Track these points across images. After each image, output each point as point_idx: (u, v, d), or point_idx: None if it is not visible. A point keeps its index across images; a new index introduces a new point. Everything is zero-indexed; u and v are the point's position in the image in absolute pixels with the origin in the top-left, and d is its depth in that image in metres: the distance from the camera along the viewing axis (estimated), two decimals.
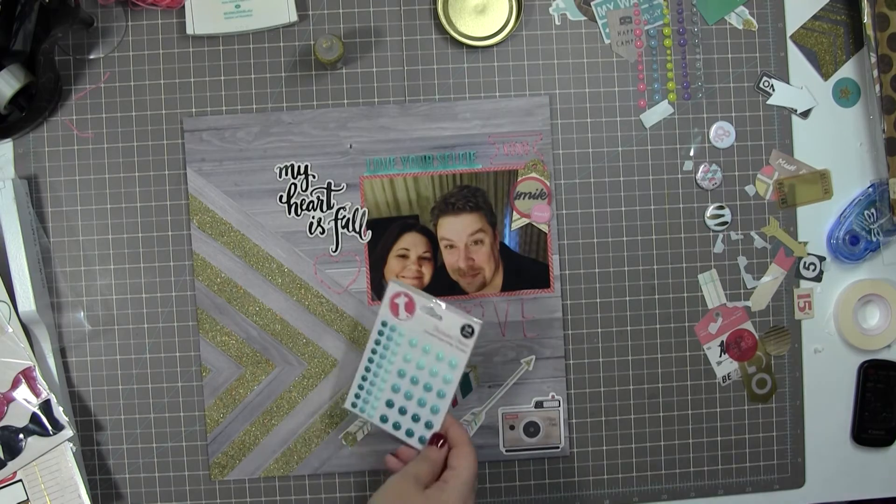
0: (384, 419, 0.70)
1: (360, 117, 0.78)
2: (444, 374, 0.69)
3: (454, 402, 0.79)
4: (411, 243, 0.78)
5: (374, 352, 0.70)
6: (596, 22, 0.80)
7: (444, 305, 0.68)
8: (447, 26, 0.78)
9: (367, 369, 0.70)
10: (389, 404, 0.70)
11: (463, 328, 0.68)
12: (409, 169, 0.78)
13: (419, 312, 0.68)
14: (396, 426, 0.70)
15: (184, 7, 0.77)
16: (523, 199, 0.79)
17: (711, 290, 0.81)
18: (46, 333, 0.76)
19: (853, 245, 0.81)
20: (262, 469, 0.78)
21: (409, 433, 0.69)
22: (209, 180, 0.78)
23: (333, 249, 0.78)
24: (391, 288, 0.69)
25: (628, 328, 0.80)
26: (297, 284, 0.78)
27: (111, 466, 0.78)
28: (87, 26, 0.77)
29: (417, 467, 0.65)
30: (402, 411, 0.70)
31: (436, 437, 0.68)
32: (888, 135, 0.77)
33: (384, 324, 0.70)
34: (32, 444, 0.74)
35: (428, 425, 0.69)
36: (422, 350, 0.69)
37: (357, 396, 0.71)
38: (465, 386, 0.79)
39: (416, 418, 0.69)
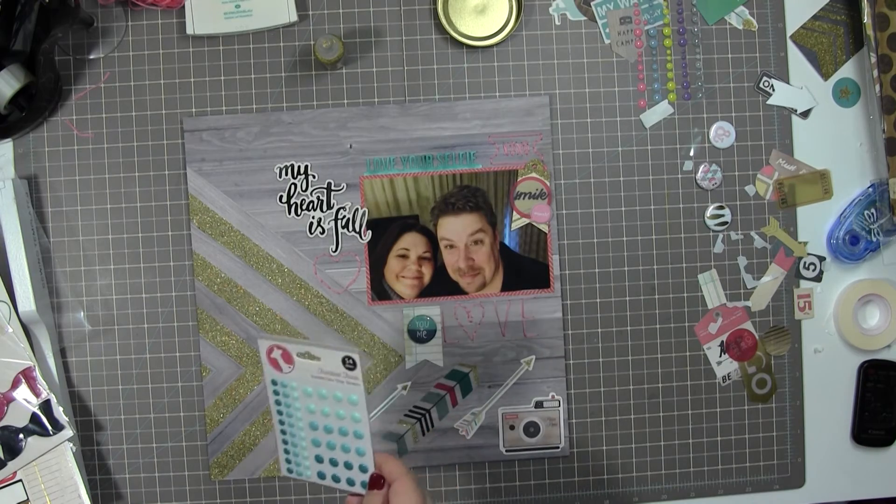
0: (322, 475, 0.65)
1: (360, 117, 0.78)
2: (350, 414, 0.62)
3: (454, 403, 0.79)
4: (411, 243, 0.78)
5: (279, 413, 0.65)
6: (596, 22, 0.80)
7: (315, 346, 0.61)
8: (447, 26, 0.78)
9: (283, 432, 0.65)
10: (319, 459, 0.65)
11: (343, 361, 0.61)
12: (409, 169, 0.78)
13: (297, 360, 0.62)
14: (336, 479, 0.65)
15: (184, 7, 0.77)
16: (523, 199, 0.79)
17: (711, 290, 0.81)
18: (46, 333, 0.76)
19: (853, 245, 0.81)
20: (262, 469, 0.78)
21: (351, 482, 0.64)
22: (209, 180, 0.78)
23: (333, 249, 0.78)
24: (261, 345, 0.63)
25: (628, 328, 0.80)
26: (297, 284, 0.78)
27: (111, 466, 0.78)
28: (87, 26, 0.77)
29: None
30: (334, 462, 0.64)
31: (374, 480, 0.63)
32: (888, 135, 0.77)
33: (273, 382, 0.63)
34: (32, 444, 0.74)
35: (362, 468, 0.63)
36: (318, 396, 0.63)
37: (288, 462, 0.66)
38: (465, 386, 0.79)
39: (348, 465, 0.64)
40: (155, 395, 0.78)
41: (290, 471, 0.66)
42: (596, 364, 0.80)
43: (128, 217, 0.78)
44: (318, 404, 0.63)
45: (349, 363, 0.60)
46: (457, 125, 0.78)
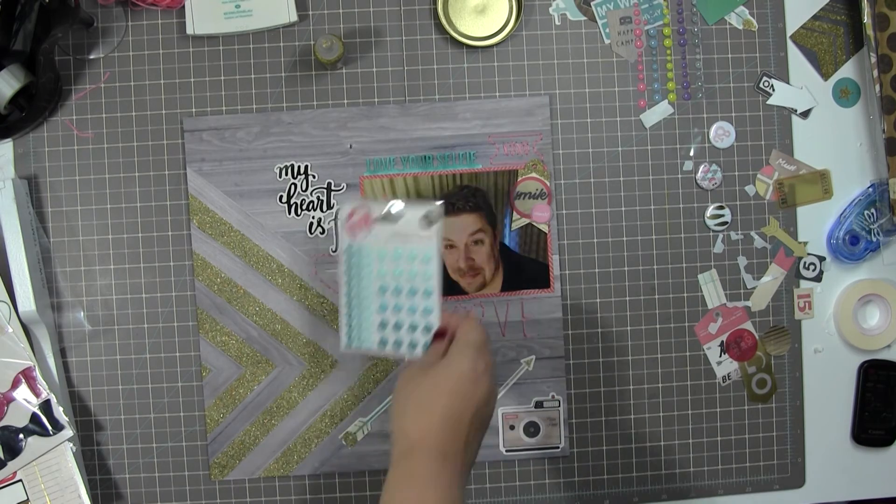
0: (384, 342, 0.65)
1: (360, 117, 0.78)
2: (422, 272, 0.64)
3: None
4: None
5: (348, 283, 0.66)
6: (596, 22, 0.80)
7: (397, 203, 0.64)
8: (447, 26, 0.78)
9: (348, 302, 0.66)
10: (383, 326, 0.65)
11: (423, 218, 0.63)
12: (409, 169, 0.78)
13: (376, 224, 0.64)
14: (398, 344, 0.65)
15: (184, 7, 0.77)
16: (523, 199, 0.79)
17: (711, 290, 0.81)
18: (46, 333, 0.76)
19: (853, 245, 0.81)
20: (262, 469, 0.78)
21: (413, 345, 0.65)
22: (209, 180, 0.78)
23: (333, 249, 0.78)
24: (343, 210, 0.64)
25: (628, 328, 0.80)
26: (297, 284, 0.78)
27: (111, 466, 0.78)
28: (87, 26, 0.77)
29: (423, 358, 0.62)
30: (398, 326, 0.65)
31: (439, 335, 0.63)
32: (888, 135, 0.77)
33: (349, 248, 0.65)
34: (32, 444, 0.74)
35: (427, 328, 0.64)
36: (392, 258, 0.65)
37: (349, 336, 0.66)
38: None
39: (413, 327, 0.65)
40: (155, 395, 0.78)
41: (349, 345, 0.67)
42: (596, 364, 0.80)
43: (128, 217, 0.78)
44: (390, 266, 0.65)
45: (428, 219, 0.64)
46: (457, 125, 0.78)
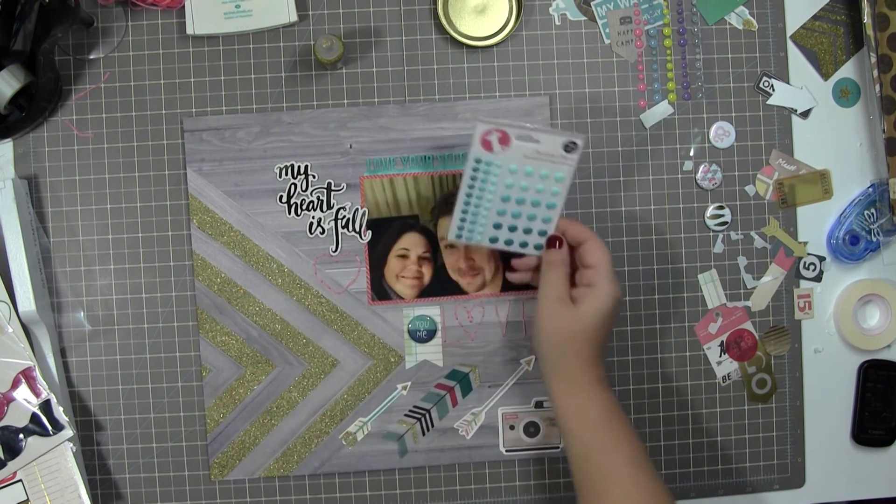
0: (494, 240, 0.71)
1: (360, 117, 0.78)
2: (550, 189, 0.68)
3: (454, 403, 0.79)
4: (411, 243, 0.78)
5: (471, 187, 0.69)
6: (596, 22, 0.80)
7: (540, 130, 0.67)
8: (447, 26, 0.78)
9: (467, 203, 0.70)
10: (497, 226, 0.70)
11: (566, 146, 0.67)
12: (409, 169, 0.78)
13: (515, 142, 0.67)
14: (508, 242, 0.70)
15: (184, 7, 0.77)
16: None
17: (711, 290, 0.81)
18: (46, 333, 0.76)
19: (853, 245, 0.81)
20: (262, 469, 0.78)
21: (524, 244, 0.70)
22: (209, 180, 0.78)
23: (333, 249, 0.78)
24: (479, 128, 0.67)
25: (628, 328, 0.80)
26: (297, 284, 0.78)
27: (111, 466, 0.78)
28: (87, 26, 0.77)
29: (549, 285, 0.68)
30: (512, 228, 0.70)
31: (552, 240, 0.69)
32: (888, 135, 0.77)
33: (478, 160, 0.68)
34: (32, 444, 0.74)
35: (541, 233, 0.69)
36: (523, 174, 0.68)
37: (460, 228, 0.71)
38: (465, 386, 0.79)
39: (527, 230, 0.70)
40: (155, 395, 0.78)
41: (458, 236, 0.72)
42: None
43: (128, 217, 0.78)
44: (520, 180, 0.69)
45: (570, 146, 0.67)
46: (457, 125, 0.78)
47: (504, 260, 0.78)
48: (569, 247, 0.70)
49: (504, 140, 0.67)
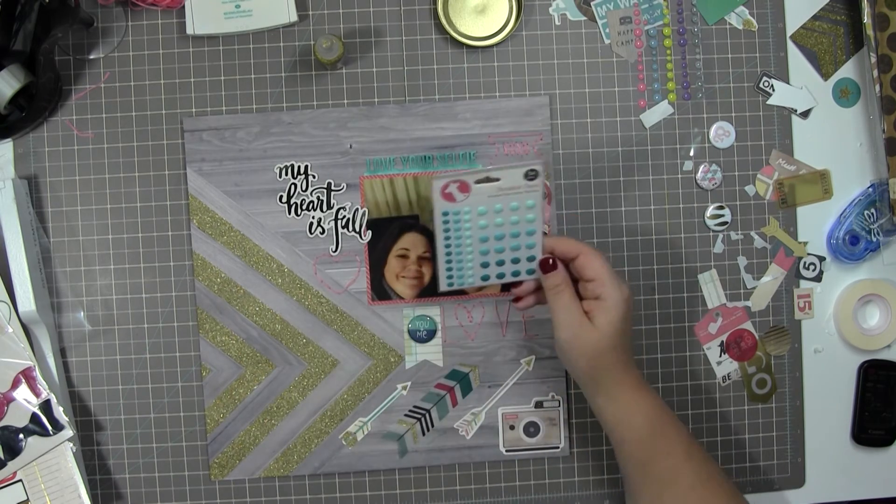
0: (486, 278, 0.71)
1: (360, 117, 0.78)
2: (525, 217, 0.69)
3: (454, 403, 0.79)
4: (411, 243, 0.78)
5: (447, 239, 0.69)
6: (596, 22, 0.80)
7: (496, 169, 0.67)
8: (447, 26, 0.78)
9: (448, 254, 0.70)
10: (485, 265, 0.70)
11: (526, 175, 0.67)
12: (409, 169, 0.78)
13: (475, 186, 0.67)
14: (501, 276, 0.71)
15: (184, 7, 0.77)
16: None
17: (711, 290, 0.81)
18: (46, 333, 0.76)
19: (853, 245, 0.81)
20: (262, 469, 0.78)
21: (516, 273, 0.70)
22: (209, 180, 0.78)
23: (333, 249, 0.78)
24: (435, 185, 0.67)
25: None
26: (297, 284, 0.78)
27: (111, 466, 0.78)
28: (87, 26, 0.77)
29: (560, 310, 0.67)
30: (500, 263, 0.70)
31: (545, 264, 0.69)
32: (888, 135, 0.77)
33: (445, 213, 0.68)
34: (32, 444, 0.74)
35: (530, 259, 0.70)
36: (493, 212, 0.68)
37: (449, 277, 0.71)
38: (465, 386, 0.79)
39: (515, 260, 0.70)
40: (155, 395, 0.78)
41: (450, 284, 0.72)
42: None
43: (128, 217, 0.78)
44: (492, 218, 0.69)
45: (531, 175, 0.67)
46: (457, 125, 0.78)
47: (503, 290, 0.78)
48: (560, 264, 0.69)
49: (464, 188, 0.67)
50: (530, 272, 0.70)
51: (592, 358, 0.66)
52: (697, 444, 0.69)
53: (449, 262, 0.70)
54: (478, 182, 0.67)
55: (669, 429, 0.68)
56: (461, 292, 0.78)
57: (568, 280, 0.68)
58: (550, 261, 0.68)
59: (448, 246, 0.70)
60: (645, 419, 0.67)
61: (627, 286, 0.68)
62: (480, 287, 0.76)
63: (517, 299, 0.72)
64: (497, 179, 0.67)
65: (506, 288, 0.79)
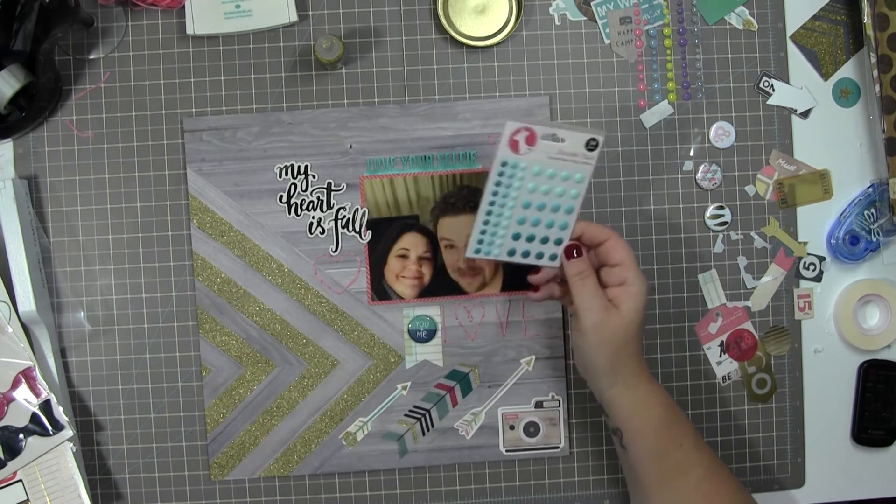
0: (512, 252, 0.69)
1: (360, 117, 0.78)
2: (570, 191, 0.68)
3: (454, 403, 0.79)
4: (411, 243, 0.78)
5: (494, 194, 0.68)
6: (596, 22, 0.80)
7: (564, 128, 0.66)
8: (447, 26, 0.78)
9: (489, 213, 0.68)
10: (516, 237, 0.69)
11: (588, 143, 0.66)
12: (409, 169, 0.78)
13: (541, 141, 0.66)
14: (526, 254, 0.69)
15: (184, 7, 0.77)
16: None
17: (711, 290, 0.81)
18: (46, 333, 0.76)
19: (853, 245, 0.81)
20: (262, 469, 0.78)
21: (539, 255, 0.69)
22: (209, 180, 0.78)
23: (333, 249, 0.78)
24: (508, 127, 0.66)
25: None
26: (297, 284, 0.78)
27: (111, 466, 0.78)
28: (87, 26, 0.77)
29: (588, 297, 0.66)
30: (531, 238, 0.69)
31: (570, 249, 0.68)
32: (888, 135, 0.77)
33: (504, 163, 0.67)
34: (32, 444, 0.74)
35: (557, 242, 0.69)
36: (546, 176, 0.67)
37: (480, 242, 0.69)
38: (465, 386, 0.79)
39: (544, 240, 0.69)
40: (155, 395, 0.78)
41: (477, 251, 0.70)
42: None
43: (128, 217, 0.78)
44: (542, 183, 0.67)
45: (592, 144, 0.66)
46: (457, 125, 0.78)
47: (518, 272, 0.78)
48: (586, 248, 0.69)
49: (531, 140, 0.66)
50: (553, 258, 0.69)
51: (618, 345, 0.66)
52: (702, 438, 0.69)
53: (486, 222, 0.69)
54: (543, 137, 0.66)
55: (681, 420, 0.68)
56: (461, 292, 0.78)
57: (591, 267, 0.68)
58: (574, 249, 0.68)
59: (492, 203, 0.68)
60: (662, 409, 0.67)
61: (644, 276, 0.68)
62: (503, 262, 0.75)
63: (535, 288, 0.72)
64: (562, 140, 0.66)
65: (505, 288, 0.79)
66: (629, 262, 0.67)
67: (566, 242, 0.69)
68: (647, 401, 0.68)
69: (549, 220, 0.69)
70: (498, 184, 0.67)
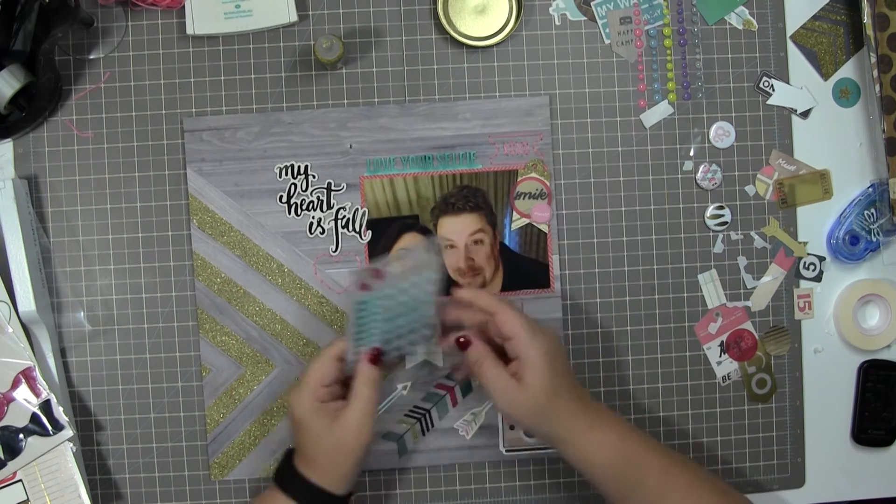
0: (387, 353, 0.69)
1: (360, 117, 0.78)
2: (424, 292, 0.68)
3: (454, 403, 0.79)
4: (411, 243, 0.78)
5: (358, 327, 0.69)
6: (596, 22, 0.80)
7: (395, 254, 0.70)
8: (447, 26, 0.78)
9: (356, 337, 0.68)
10: (387, 343, 0.68)
11: (424, 249, 0.69)
12: (409, 169, 0.78)
13: (388, 270, 0.69)
14: (399, 349, 0.69)
15: (184, 7, 0.77)
16: (523, 199, 0.79)
17: (711, 290, 0.81)
18: (46, 333, 0.76)
19: (853, 245, 0.81)
20: (262, 469, 0.78)
21: (414, 343, 0.69)
22: (209, 180, 0.78)
23: (333, 249, 0.78)
24: (353, 281, 0.69)
25: (628, 328, 0.80)
26: (297, 284, 0.78)
27: (111, 466, 0.78)
28: (87, 26, 0.77)
29: (489, 381, 0.65)
30: (399, 337, 0.68)
31: (460, 342, 0.67)
32: (888, 135, 0.77)
33: (362, 302, 0.68)
34: (32, 444, 0.74)
35: (428, 334, 0.69)
36: (399, 290, 0.68)
37: (356, 354, 0.69)
38: (465, 386, 0.79)
39: (413, 332, 0.68)
40: (155, 395, 0.78)
41: (357, 354, 0.69)
42: (596, 364, 0.80)
43: (128, 217, 0.78)
44: (400, 296, 0.68)
45: (428, 250, 0.68)
46: (457, 125, 0.78)
47: (518, 272, 0.78)
48: (482, 312, 0.68)
49: (378, 275, 0.68)
50: (428, 340, 0.69)
51: (535, 415, 0.65)
52: (674, 456, 0.67)
53: (356, 342, 0.68)
54: (387, 266, 0.68)
55: (639, 453, 0.66)
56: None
57: (486, 350, 0.67)
58: (462, 338, 0.67)
59: (358, 333, 0.68)
60: (609, 456, 0.65)
61: (552, 329, 0.67)
62: (503, 262, 0.78)
63: (456, 368, 0.72)
64: (404, 258, 0.69)
65: (506, 288, 0.78)
66: (520, 334, 0.65)
67: (436, 330, 0.69)
68: (591, 451, 0.65)
69: (412, 320, 0.68)
70: (361, 318, 0.68)
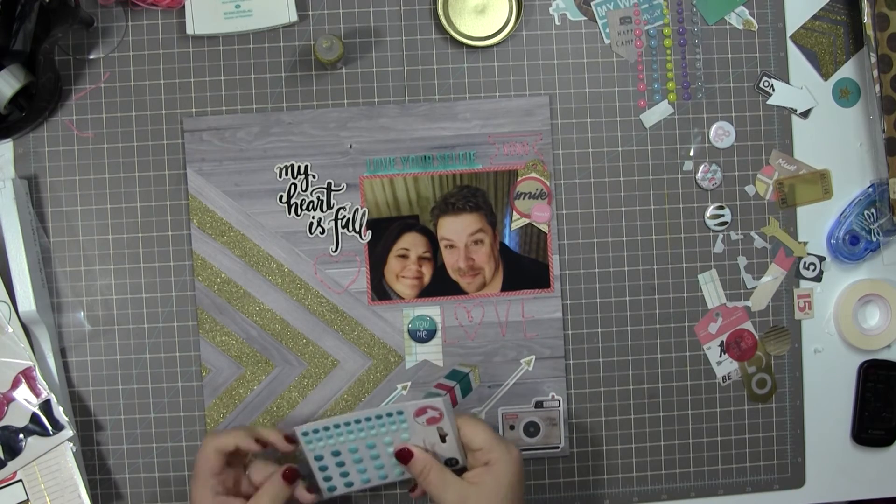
0: (349, 485, 0.70)
1: (360, 117, 0.78)
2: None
3: (454, 403, 0.79)
4: (411, 243, 0.78)
5: (324, 476, 0.70)
6: (596, 22, 0.80)
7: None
8: (447, 26, 0.78)
9: (327, 480, 0.70)
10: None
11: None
12: (409, 169, 0.78)
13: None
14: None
15: (184, 7, 0.77)
16: (523, 199, 0.79)
17: (711, 290, 0.81)
18: (46, 333, 0.76)
19: (853, 245, 0.81)
20: None
21: (380, 467, 0.69)
22: (209, 180, 0.78)
23: (333, 249, 0.78)
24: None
25: (628, 328, 0.80)
26: (297, 284, 0.78)
27: (111, 466, 0.78)
28: (87, 26, 0.77)
29: (437, 488, 0.65)
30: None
31: (401, 455, 0.67)
32: (888, 135, 0.77)
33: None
34: (32, 444, 0.74)
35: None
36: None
37: (331, 490, 0.71)
38: (465, 386, 0.79)
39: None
40: (155, 395, 0.78)
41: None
42: (596, 364, 0.80)
43: (128, 217, 0.78)
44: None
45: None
46: (457, 125, 0.78)
47: (518, 272, 0.78)
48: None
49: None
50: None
51: None
52: None
53: (328, 479, 0.70)
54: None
55: None
56: (461, 292, 0.78)
57: (430, 458, 0.67)
58: (404, 450, 0.67)
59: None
60: None
61: (516, 448, 0.67)
62: (503, 262, 0.78)
63: (413, 489, 0.71)
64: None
65: (505, 288, 0.79)
66: (489, 442, 0.65)
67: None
68: None
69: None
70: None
